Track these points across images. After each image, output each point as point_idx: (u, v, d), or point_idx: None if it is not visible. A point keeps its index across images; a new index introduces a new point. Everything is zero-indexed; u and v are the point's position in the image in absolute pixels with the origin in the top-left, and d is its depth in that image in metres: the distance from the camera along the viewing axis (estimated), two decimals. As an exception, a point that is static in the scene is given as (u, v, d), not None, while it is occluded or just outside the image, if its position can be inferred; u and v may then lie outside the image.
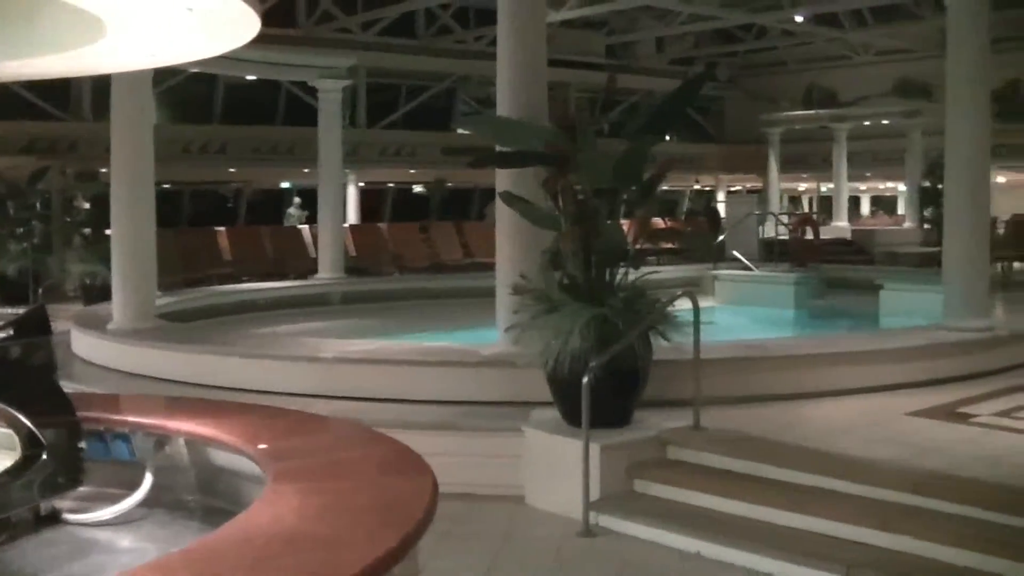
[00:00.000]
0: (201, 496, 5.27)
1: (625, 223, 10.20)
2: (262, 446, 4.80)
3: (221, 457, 5.18)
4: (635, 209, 9.98)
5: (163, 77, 27.45)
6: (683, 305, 9.62)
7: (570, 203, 9.59)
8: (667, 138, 40.54)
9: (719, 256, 23.90)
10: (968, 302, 13.01)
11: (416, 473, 4.38)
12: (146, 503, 5.17)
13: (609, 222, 9.61)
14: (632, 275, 9.67)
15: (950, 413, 10.59)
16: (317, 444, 5.15)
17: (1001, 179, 38.83)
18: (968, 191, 13.02)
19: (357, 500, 4.06)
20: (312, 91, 21.75)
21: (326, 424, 6.04)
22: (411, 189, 39.89)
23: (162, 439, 5.38)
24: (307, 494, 4.08)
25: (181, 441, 5.35)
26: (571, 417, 9.19)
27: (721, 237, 25.71)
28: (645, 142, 9.51)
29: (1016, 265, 27.64)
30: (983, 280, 13.29)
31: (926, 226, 32.47)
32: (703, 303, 10.25)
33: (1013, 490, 7.82)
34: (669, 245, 23.86)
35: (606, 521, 8.69)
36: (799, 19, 33.70)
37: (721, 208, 36.50)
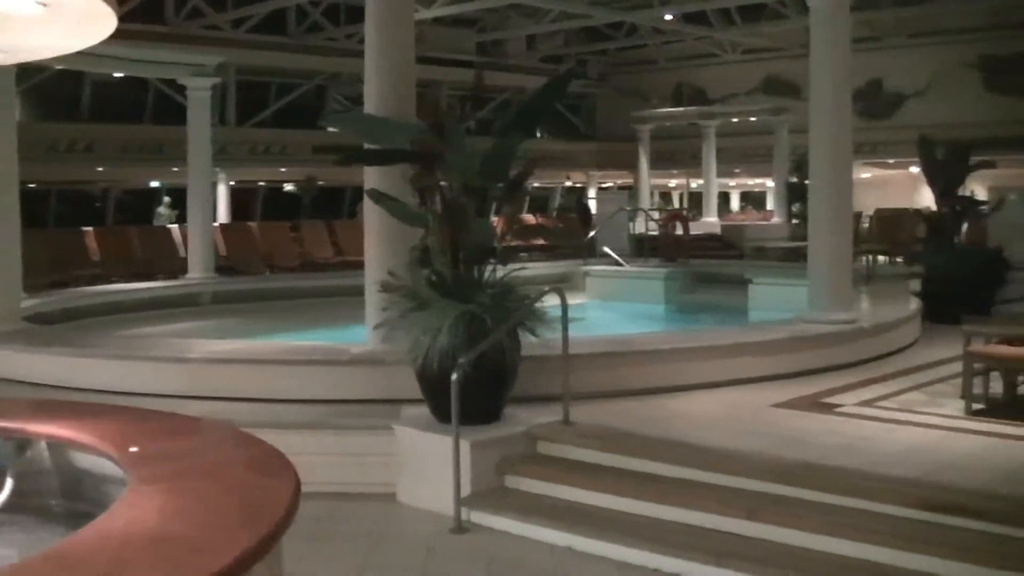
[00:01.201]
0: (65, 500, 5.16)
1: (497, 220, 10.23)
2: (128, 448, 4.74)
3: (85, 460, 5.08)
4: (503, 206, 10.01)
5: (28, 74, 26.95)
6: (553, 301, 9.67)
7: (437, 200, 9.60)
8: (538, 135, 40.70)
9: (590, 252, 24.03)
10: (832, 295, 13.27)
11: (278, 472, 4.36)
12: (8, 508, 5.07)
13: (477, 219, 9.62)
14: (501, 272, 9.70)
15: (814, 404, 10.81)
16: (181, 446, 5.10)
17: (866, 175, 39.58)
18: (831, 187, 13.29)
19: (219, 501, 4.04)
20: (181, 89, 21.45)
21: (192, 425, 5.99)
22: (282, 188, 39.57)
23: (23, 443, 5.27)
24: (168, 495, 4.04)
25: (43, 444, 5.24)
26: (441, 414, 9.20)
27: (592, 233, 25.87)
28: (512, 139, 9.54)
29: (881, 259, 28.15)
30: (847, 274, 13.57)
31: (794, 221, 33.00)
32: (574, 299, 10.34)
33: (875, 478, 8.01)
34: (540, 242, 23.98)
35: (477, 517, 8.72)
36: (668, 17, 34.01)
37: (592, 204, 36.70)
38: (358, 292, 11.87)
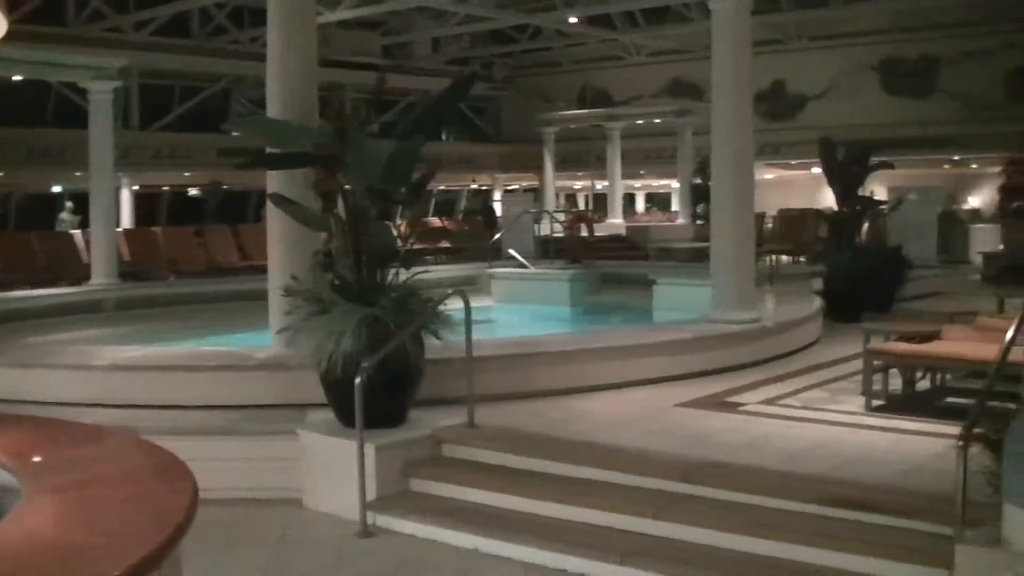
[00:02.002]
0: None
1: (401, 223, 10.23)
2: (26, 458, 4.68)
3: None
4: (406, 209, 10.00)
5: (-75, 77, 26.51)
6: (457, 304, 9.68)
7: (340, 204, 9.57)
8: (443, 138, 40.69)
9: (496, 255, 24.06)
10: (735, 295, 13.40)
11: (177, 480, 4.33)
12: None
13: (380, 222, 9.60)
14: (404, 275, 9.69)
15: (718, 403, 10.93)
16: (81, 454, 5.04)
17: (769, 175, 39.98)
18: (734, 188, 13.42)
19: (116, 509, 4.00)
20: (83, 92, 21.18)
21: (92, 433, 5.90)
22: (187, 192, 39.21)
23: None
24: (66, 504, 4.00)
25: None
26: (346, 418, 9.18)
27: (497, 236, 25.90)
28: (414, 142, 9.53)
29: (784, 258, 28.45)
30: (749, 274, 13.71)
31: (699, 222, 33.22)
32: (480, 302, 10.33)
33: (778, 475, 8.11)
34: (446, 244, 23.96)
35: (383, 521, 8.70)
36: (573, 20, 34.16)
37: (498, 207, 36.74)
38: (264, 296, 11.80)
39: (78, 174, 25.96)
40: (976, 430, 6.32)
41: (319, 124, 10.68)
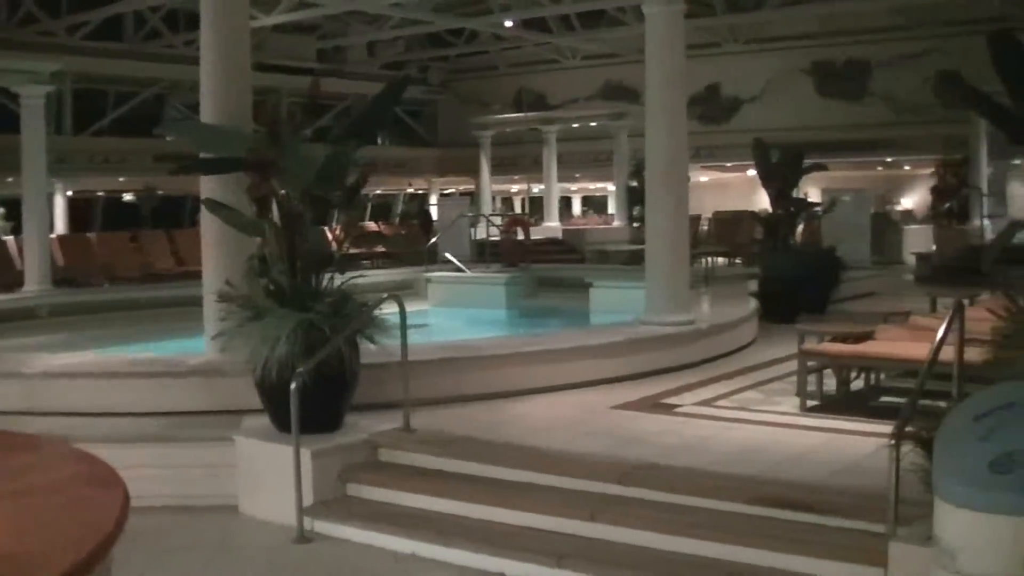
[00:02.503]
0: None
1: (336, 227, 10.20)
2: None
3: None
4: (340, 213, 9.98)
5: None
6: (393, 308, 9.65)
7: (274, 209, 9.54)
8: (380, 142, 40.60)
9: (432, 259, 24.04)
10: (670, 297, 13.46)
11: (108, 487, 4.28)
12: None
13: (314, 227, 9.58)
14: (339, 280, 9.66)
15: (654, 405, 10.97)
16: (11, 463, 4.98)
17: (704, 178, 40.21)
18: (668, 190, 13.48)
19: (44, 518, 3.95)
20: (14, 96, 20.95)
21: (23, 442, 5.84)
22: (121, 198, 38.92)
23: None
24: (-7, 514, 3.95)
25: None
26: (282, 423, 9.13)
27: (433, 239, 25.88)
28: (348, 146, 9.51)
29: (720, 260, 28.59)
30: (684, 276, 13.78)
31: (635, 224, 33.34)
32: (417, 306, 10.31)
33: (714, 476, 8.14)
34: (382, 248, 23.91)
35: (320, 526, 8.66)
36: (508, 24, 34.21)
37: (434, 211, 36.74)
38: (199, 302, 11.71)
39: (10, 180, 25.69)
40: (908, 429, 6.38)
41: (253, 128, 10.63)
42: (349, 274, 9.83)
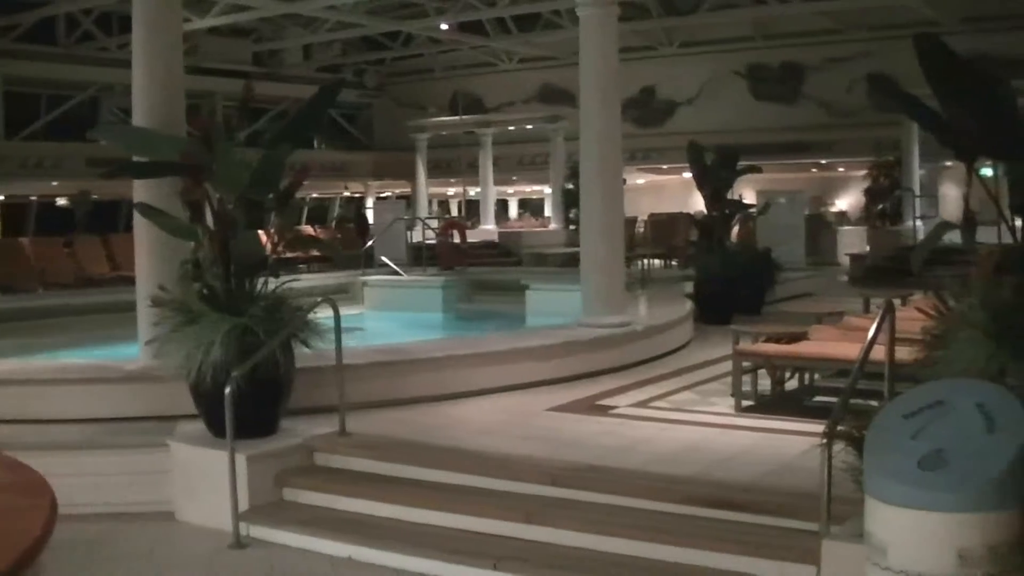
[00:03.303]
0: None
1: (270, 231, 10.15)
2: None
3: None
4: (274, 217, 9.93)
5: None
6: (328, 312, 9.62)
7: (208, 213, 9.49)
8: (316, 145, 40.49)
9: (368, 262, 23.99)
10: (605, 300, 13.52)
11: (34, 495, 4.25)
12: None
13: (248, 231, 9.53)
14: (273, 284, 9.63)
15: (590, 407, 11.01)
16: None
17: (641, 180, 40.37)
18: (602, 193, 13.54)
19: (-27, 525, 3.93)
20: (-56, 101, 20.76)
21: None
22: (55, 202, 38.54)
23: None
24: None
25: None
26: (217, 429, 9.08)
27: (370, 243, 25.83)
28: (281, 150, 9.48)
29: (656, 262, 28.71)
30: (619, 278, 13.85)
31: (572, 227, 33.41)
32: (353, 310, 10.29)
33: (649, 476, 8.19)
34: (317, 252, 23.84)
35: (257, 531, 8.61)
36: (444, 27, 34.24)
37: (370, 214, 36.66)
38: (134, 308, 11.62)
39: (-59, 185, 25.44)
40: (840, 428, 6.44)
41: (187, 132, 10.57)
42: (284, 278, 9.80)
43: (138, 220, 10.98)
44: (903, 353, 7.35)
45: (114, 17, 33.05)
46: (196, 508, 9.07)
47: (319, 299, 9.75)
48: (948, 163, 29.34)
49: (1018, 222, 6.59)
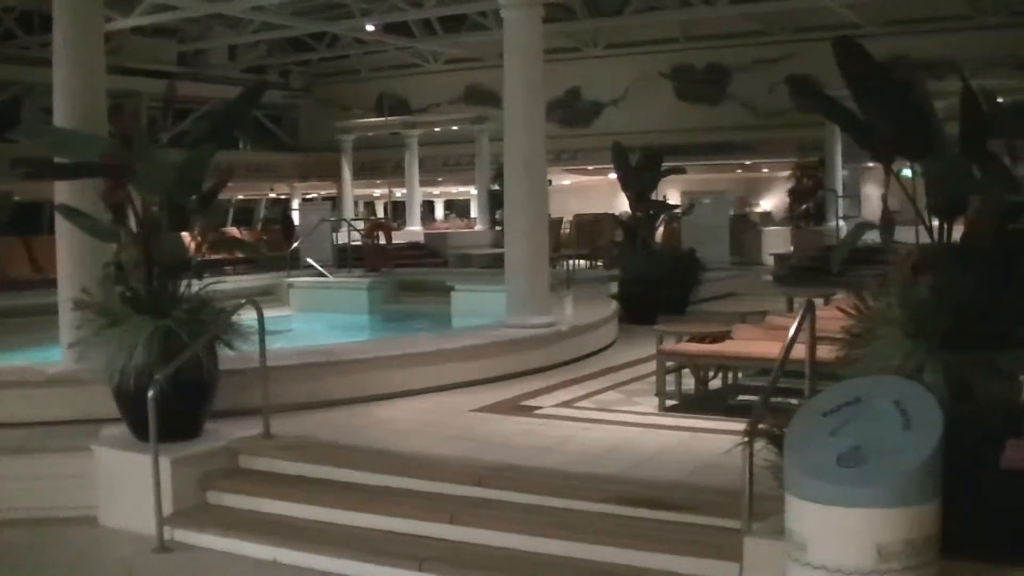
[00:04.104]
0: None
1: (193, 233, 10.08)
2: None
3: None
4: (198, 219, 9.86)
5: None
6: (253, 314, 9.57)
7: (131, 215, 9.42)
8: (241, 146, 40.27)
9: (294, 264, 23.91)
10: (530, 300, 13.57)
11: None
12: None
13: (171, 233, 9.47)
14: (197, 286, 9.57)
15: (514, 407, 11.05)
16: None
17: (567, 181, 40.51)
18: (526, 193, 13.59)
19: None
20: None
21: None
22: (-25, 205, 38.00)
23: None
24: None
25: None
26: (140, 432, 8.98)
27: (295, 245, 25.75)
28: (204, 151, 9.43)
29: (581, 263, 28.83)
30: (544, 279, 13.89)
31: (497, 228, 33.50)
32: (278, 311, 10.25)
33: (573, 476, 8.23)
34: (241, 255, 23.70)
35: (181, 535, 8.55)
36: (370, 28, 34.16)
37: (296, 216, 36.53)
38: (56, 310, 11.49)
39: None
40: (761, 426, 6.50)
41: (109, 132, 10.48)
42: (207, 280, 9.75)
43: (60, 222, 10.86)
44: (824, 352, 7.44)
45: (35, 15, 32.63)
46: (120, 512, 8.98)
47: (243, 301, 9.71)
48: (870, 164, 29.66)
49: (935, 222, 6.69)
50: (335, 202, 40.21)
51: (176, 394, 8.67)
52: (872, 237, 7.14)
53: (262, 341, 9.43)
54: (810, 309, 7.63)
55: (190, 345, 8.86)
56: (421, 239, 35.13)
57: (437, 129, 38.23)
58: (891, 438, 5.35)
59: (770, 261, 30.72)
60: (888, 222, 6.88)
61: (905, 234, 6.86)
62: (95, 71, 11.37)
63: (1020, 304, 6.36)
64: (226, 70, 40.13)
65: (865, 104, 6.66)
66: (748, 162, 38.43)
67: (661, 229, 20.75)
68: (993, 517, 5.61)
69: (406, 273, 23.19)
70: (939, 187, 6.61)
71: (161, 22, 31.80)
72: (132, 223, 9.47)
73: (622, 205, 22.63)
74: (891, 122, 6.53)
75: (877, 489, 5.15)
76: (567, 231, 33.45)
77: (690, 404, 11.11)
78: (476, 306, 16.67)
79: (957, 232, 6.67)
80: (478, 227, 37.26)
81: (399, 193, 43.14)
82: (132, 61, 33.81)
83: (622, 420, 10.44)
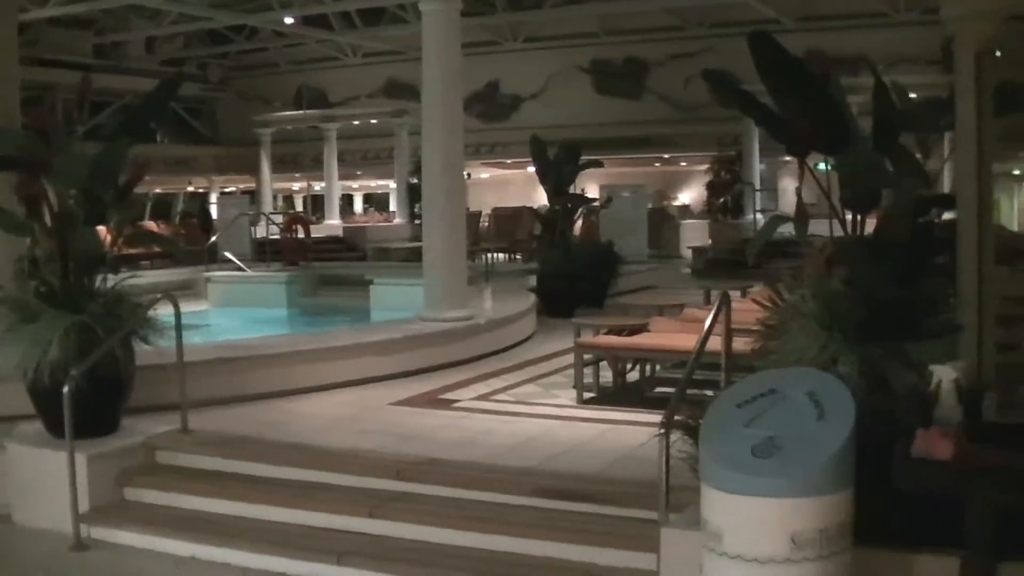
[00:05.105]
0: None
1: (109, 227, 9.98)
2: None
3: None
4: (114, 212, 9.76)
5: None
6: (169, 309, 9.50)
7: (45, 208, 9.32)
8: (158, 140, 39.93)
9: (212, 258, 23.75)
10: (448, 294, 13.59)
11: None
12: None
13: (86, 227, 9.38)
14: (113, 280, 9.49)
15: (432, 401, 11.06)
16: None
17: (485, 175, 40.53)
18: (444, 187, 13.60)
19: None
20: None
21: None
22: None
23: None
24: None
25: None
26: (56, 428, 8.88)
27: (213, 239, 25.58)
28: (120, 144, 9.35)
29: (500, 256, 28.88)
30: (461, 272, 13.91)
31: (416, 222, 33.48)
32: (197, 306, 10.18)
33: (492, 469, 8.26)
34: (157, 249, 23.53)
35: (98, 532, 8.49)
36: (289, 20, 34.00)
37: (214, 209, 36.28)
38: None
39: None
40: (677, 418, 6.56)
41: (22, 125, 10.36)
42: (124, 274, 9.67)
43: (-29, 217, 10.72)
44: (740, 344, 7.52)
45: (-52, 7, 32.17)
46: (35, 510, 8.88)
47: (160, 296, 9.64)
48: (787, 158, 29.89)
49: (849, 215, 6.77)
50: (254, 196, 40.00)
51: (92, 390, 8.60)
52: (788, 230, 7.21)
53: (179, 335, 9.37)
54: (725, 302, 7.71)
55: (106, 340, 8.79)
56: (340, 233, 35.01)
57: (356, 123, 38.15)
58: (805, 429, 5.41)
59: (688, 254, 30.94)
60: (802, 215, 6.95)
61: (820, 227, 6.94)
62: (8, 62, 11.25)
63: (931, 296, 6.47)
64: (144, 62, 39.72)
65: (780, 98, 6.73)
66: (667, 156, 38.66)
67: (579, 222, 20.80)
68: (904, 505, 5.69)
69: (325, 267, 23.10)
70: (852, 181, 6.70)
71: (78, 13, 31.47)
72: (47, 217, 9.36)
73: (541, 199, 22.72)
74: (805, 117, 6.60)
75: (791, 479, 5.21)
76: (486, 225, 33.47)
77: (608, 396, 11.18)
78: (395, 300, 16.63)
79: (870, 225, 6.76)
80: (397, 221, 37.21)
81: (318, 187, 42.97)
82: (48, 53, 33.44)
83: (540, 413, 10.49)
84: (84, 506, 8.53)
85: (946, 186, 8.85)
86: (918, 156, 7.05)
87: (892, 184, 6.65)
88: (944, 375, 6.05)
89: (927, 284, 6.50)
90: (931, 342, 6.25)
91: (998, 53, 6.52)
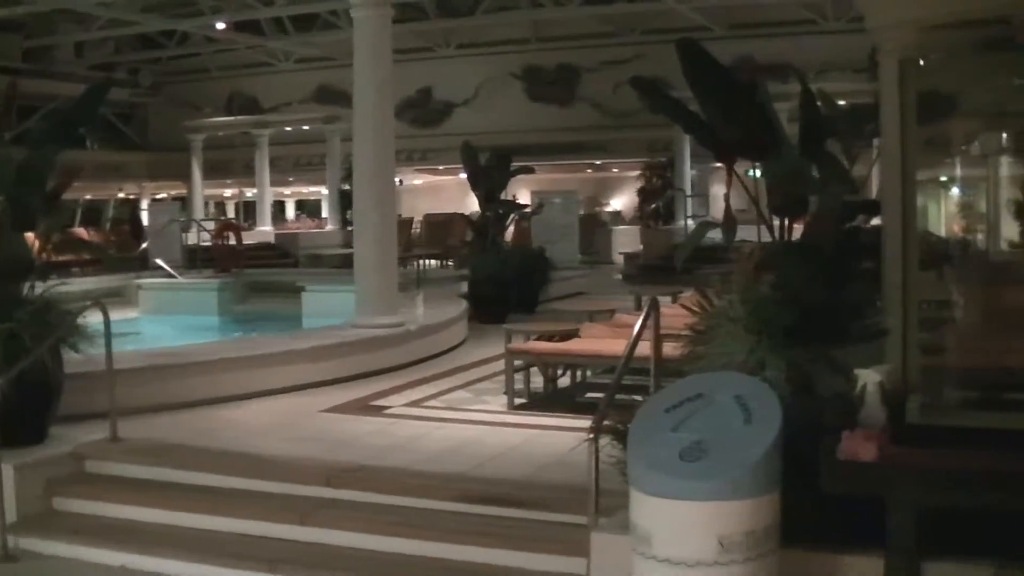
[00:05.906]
0: None
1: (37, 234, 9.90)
2: None
3: None
4: (41, 219, 9.69)
5: None
6: (99, 316, 9.44)
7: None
8: (88, 145, 39.55)
9: (143, 265, 23.58)
10: (379, 300, 13.60)
11: None
12: None
13: (14, 233, 9.30)
14: (41, 287, 9.41)
15: (363, 407, 11.07)
16: None
17: (418, 181, 40.51)
18: (374, 193, 13.62)
19: None
20: None
21: None
22: None
23: None
24: None
25: None
26: (-17, 438, 8.82)
27: (144, 245, 25.40)
28: (48, 150, 9.29)
29: (432, 262, 28.88)
30: (392, 278, 13.93)
31: (349, 228, 33.34)
32: (127, 313, 10.10)
33: (422, 475, 8.27)
34: (87, 256, 23.31)
35: (27, 543, 8.38)
36: (220, 26, 33.83)
37: (145, 216, 36.00)
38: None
39: None
40: (606, 423, 6.61)
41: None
42: (53, 281, 9.60)
43: None
44: (669, 349, 7.58)
45: None
46: (-39, 522, 8.80)
47: (89, 303, 9.58)
48: (718, 164, 30.15)
49: (776, 221, 6.84)
50: (185, 202, 39.65)
51: (19, 398, 8.51)
52: (718, 236, 7.28)
53: (108, 343, 9.31)
54: (655, 307, 7.78)
55: (34, 348, 8.72)
56: (272, 239, 34.75)
57: (288, 129, 37.95)
58: (732, 432, 5.48)
59: (620, 260, 31.07)
60: (730, 221, 7.02)
61: (749, 233, 7.01)
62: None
63: (857, 301, 6.56)
64: (73, 67, 39.36)
65: (708, 106, 6.80)
66: (598, 162, 38.83)
67: (511, 228, 20.88)
68: (830, 506, 5.76)
69: (257, 274, 22.96)
70: (780, 187, 6.77)
71: (5, 16, 31.14)
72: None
73: (472, 205, 22.75)
74: (733, 123, 6.67)
75: (718, 482, 5.28)
76: (418, 231, 33.44)
77: (538, 402, 11.22)
78: (327, 306, 16.59)
79: (798, 231, 6.84)
80: (329, 227, 37.03)
81: (250, 193, 42.71)
82: (-24, 57, 33.12)
83: (471, 419, 10.52)
84: (12, 516, 8.43)
85: (874, 192, 8.96)
86: (844, 162, 7.14)
87: (818, 190, 6.73)
88: (869, 378, 6.12)
89: (853, 289, 6.59)
90: (857, 346, 6.34)
91: (922, 61, 6.61)
